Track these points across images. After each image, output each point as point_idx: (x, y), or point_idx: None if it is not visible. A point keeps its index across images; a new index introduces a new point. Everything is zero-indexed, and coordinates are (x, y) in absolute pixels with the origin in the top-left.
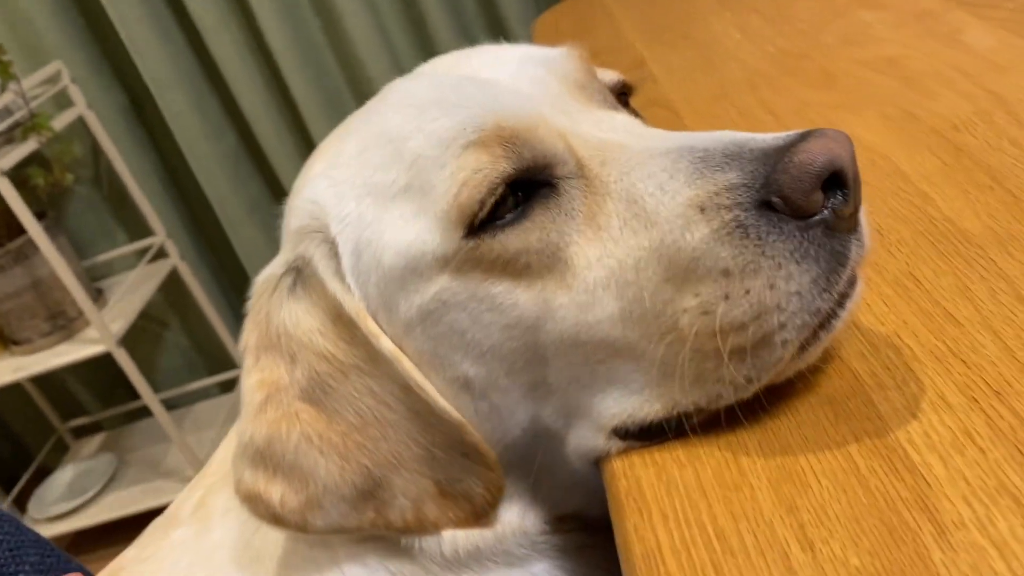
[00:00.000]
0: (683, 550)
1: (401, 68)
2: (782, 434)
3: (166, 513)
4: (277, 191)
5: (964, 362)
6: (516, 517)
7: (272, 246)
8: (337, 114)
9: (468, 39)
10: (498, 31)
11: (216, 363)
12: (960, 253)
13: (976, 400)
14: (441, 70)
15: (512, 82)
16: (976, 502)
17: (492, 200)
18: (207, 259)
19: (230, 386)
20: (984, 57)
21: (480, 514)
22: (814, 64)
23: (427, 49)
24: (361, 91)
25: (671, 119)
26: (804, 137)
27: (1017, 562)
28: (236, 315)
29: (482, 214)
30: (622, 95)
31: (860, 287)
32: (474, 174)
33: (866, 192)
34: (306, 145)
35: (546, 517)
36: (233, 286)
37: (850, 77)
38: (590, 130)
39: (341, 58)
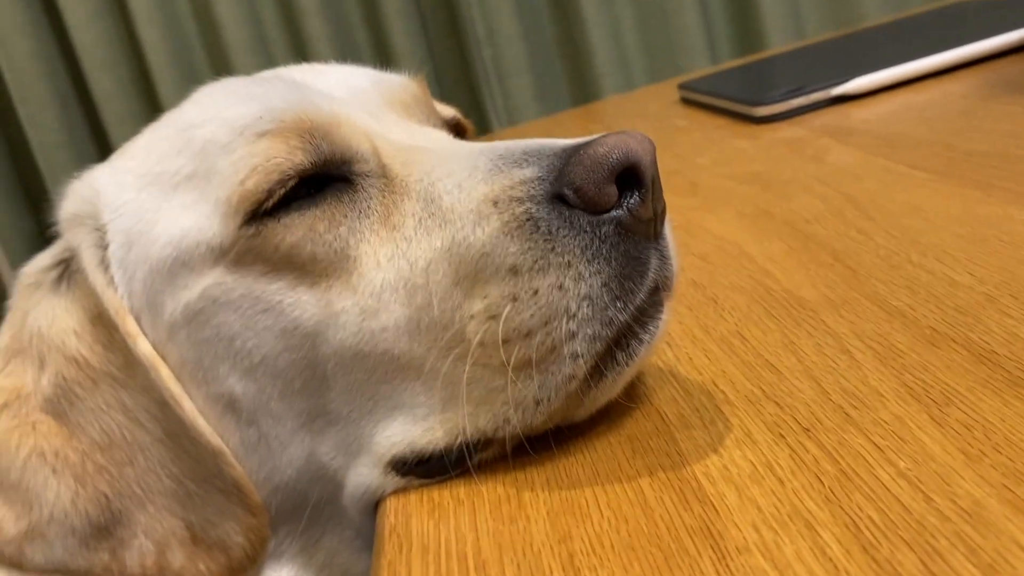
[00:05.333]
0: None
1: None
2: (573, 470)
3: None
4: None
5: (777, 403)
6: None
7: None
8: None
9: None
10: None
11: None
12: (791, 316)
13: (783, 436)
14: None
15: (327, 88)
16: (765, 528)
17: (281, 191)
18: None
19: None
20: (843, 170)
21: (236, 569)
22: (683, 178)
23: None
24: None
25: None
26: (604, 135)
27: None
28: None
29: (268, 204)
30: (458, 132)
31: (666, 315)
32: (266, 161)
33: (709, 270)
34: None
35: None
36: None
37: (714, 187)
38: (400, 137)
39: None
